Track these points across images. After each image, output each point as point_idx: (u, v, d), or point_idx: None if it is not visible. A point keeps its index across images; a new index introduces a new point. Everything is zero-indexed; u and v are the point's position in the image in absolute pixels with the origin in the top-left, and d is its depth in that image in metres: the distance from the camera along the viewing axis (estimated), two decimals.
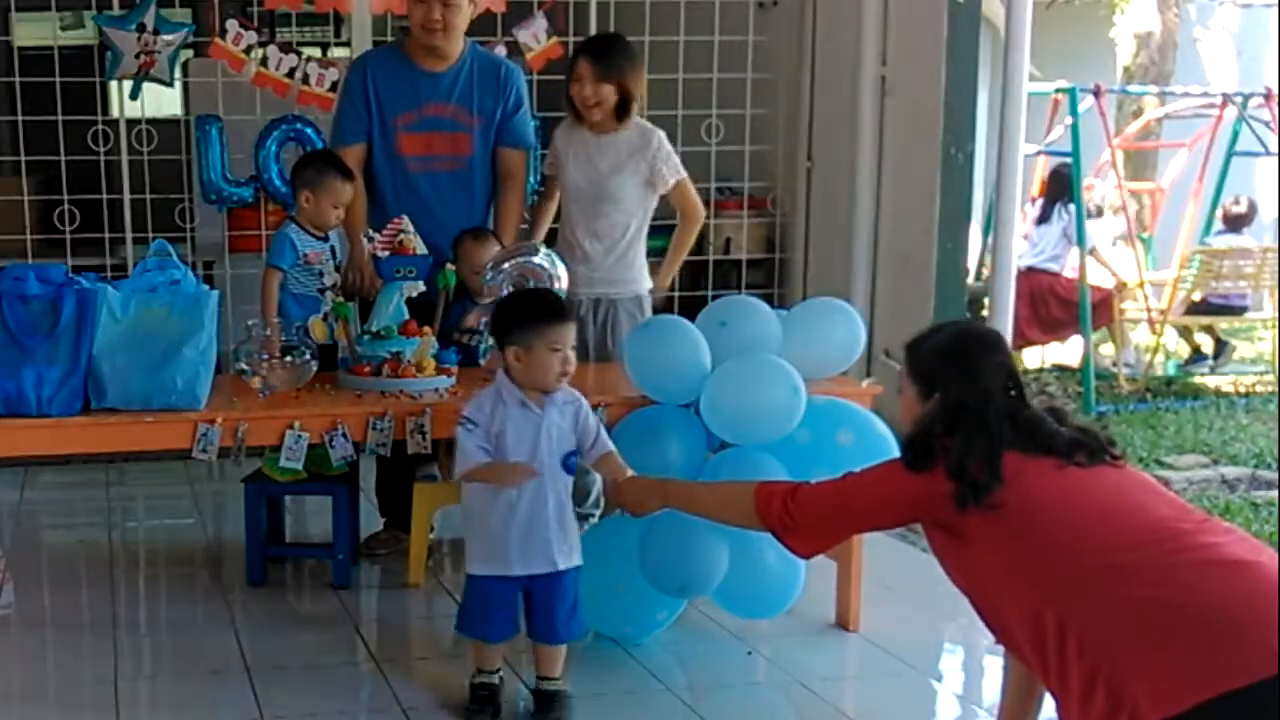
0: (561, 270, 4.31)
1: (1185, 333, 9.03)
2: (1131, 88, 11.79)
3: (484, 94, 4.69)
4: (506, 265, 4.30)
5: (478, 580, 3.52)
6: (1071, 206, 8.26)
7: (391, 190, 4.68)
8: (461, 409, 3.49)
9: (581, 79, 4.59)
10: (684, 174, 4.72)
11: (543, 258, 4.31)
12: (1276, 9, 12.06)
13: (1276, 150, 8.74)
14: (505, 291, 4.31)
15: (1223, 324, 8.90)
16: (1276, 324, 8.65)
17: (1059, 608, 2.53)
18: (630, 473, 3.51)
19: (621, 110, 4.61)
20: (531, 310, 3.49)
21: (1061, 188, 8.49)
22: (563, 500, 3.51)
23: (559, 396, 3.49)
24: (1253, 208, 9.06)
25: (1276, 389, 8.26)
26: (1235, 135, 9.13)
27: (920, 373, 2.87)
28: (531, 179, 5.25)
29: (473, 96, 4.68)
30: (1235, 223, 8.97)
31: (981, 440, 2.67)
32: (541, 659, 3.60)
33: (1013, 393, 2.78)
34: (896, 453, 3.90)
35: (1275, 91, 8.83)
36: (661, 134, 4.70)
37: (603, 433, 3.58)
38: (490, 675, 3.60)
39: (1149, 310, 8.43)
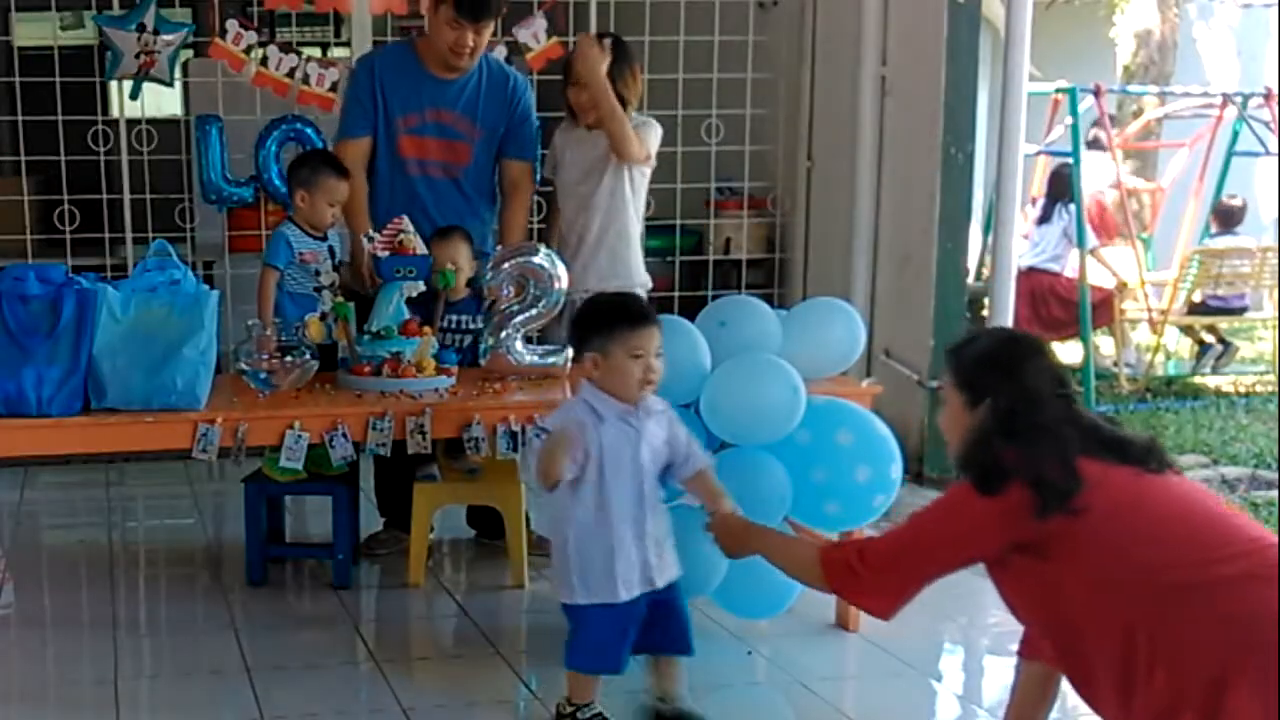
0: (561, 270, 4.32)
1: (1189, 330, 9.02)
2: (1131, 88, 11.79)
3: (489, 105, 4.70)
4: (506, 265, 4.31)
5: (587, 612, 3.29)
6: (1072, 206, 8.26)
7: (388, 189, 4.69)
8: (539, 419, 3.29)
9: (577, 83, 4.61)
10: (648, 136, 4.64)
11: (543, 258, 4.32)
12: (1276, 9, 12.06)
13: (1276, 150, 8.74)
14: (506, 292, 4.32)
15: (1223, 324, 8.90)
16: (1276, 324, 8.66)
17: (1154, 622, 2.44)
18: (728, 501, 3.31)
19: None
20: (607, 314, 3.28)
21: (1062, 188, 8.49)
22: (661, 513, 3.34)
23: (653, 405, 3.30)
24: (1244, 205, 9.05)
25: (1276, 389, 8.26)
26: (1235, 135, 9.14)
27: (965, 381, 2.76)
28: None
29: (478, 107, 4.68)
30: (1227, 220, 8.96)
31: (1050, 445, 2.57)
32: (661, 676, 3.45)
33: (1063, 396, 2.69)
34: (896, 452, 3.94)
35: (1275, 91, 8.83)
36: (649, 119, 4.73)
37: (695, 446, 3.36)
38: (593, 709, 3.39)
39: (1149, 310, 8.44)
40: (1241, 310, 8.75)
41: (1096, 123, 8.98)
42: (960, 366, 2.79)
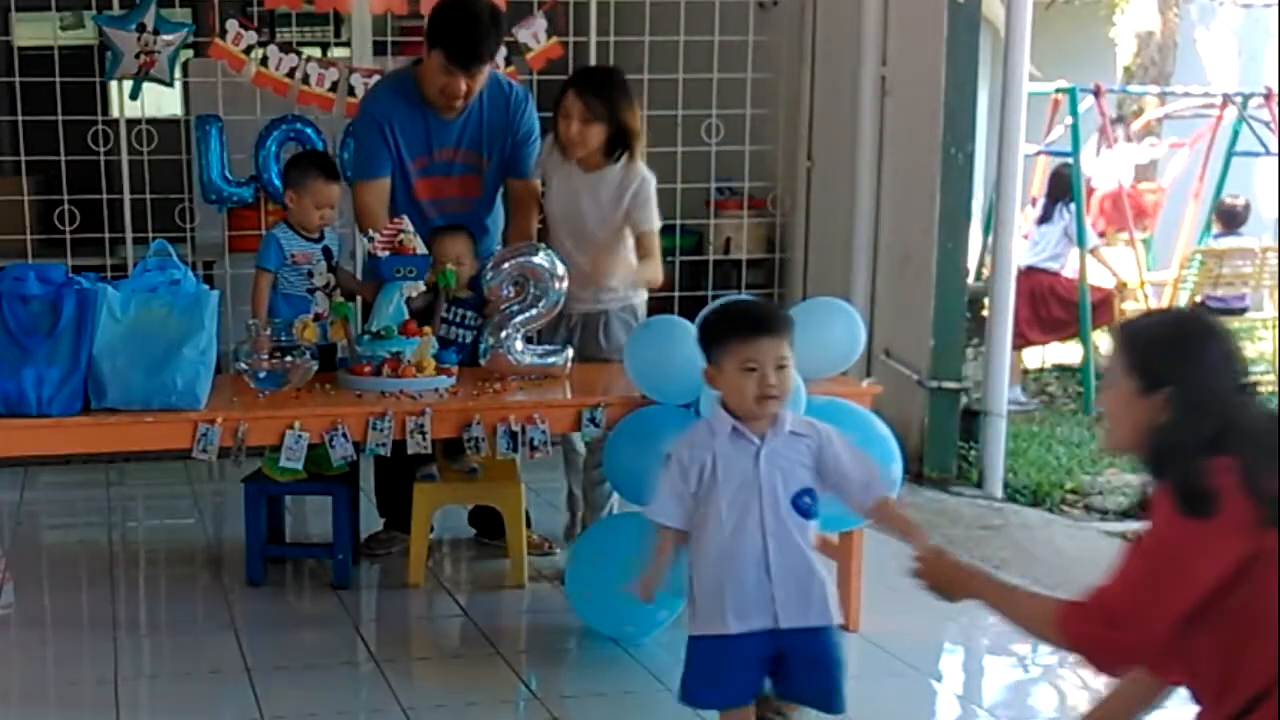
0: (561, 270, 4.32)
1: None
2: (1131, 88, 11.79)
3: (493, 133, 4.64)
4: (506, 265, 4.31)
5: (697, 642, 3.03)
6: (1073, 206, 8.26)
7: None
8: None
9: (569, 115, 4.43)
10: (656, 225, 4.52)
11: (543, 258, 4.32)
12: (1276, 9, 12.06)
13: (1276, 150, 8.74)
14: (506, 292, 4.32)
15: None
16: (1276, 324, 8.65)
17: None
18: (925, 535, 2.88)
19: (610, 148, 4.46)
20: (719, 323, 3.03)
21: (1062, 188, 8.49)
22: (795, 545, 2.95)
23: (788, 422, 2.98)
24: (1247, 205, 9.06)
25: (1276, 389, 8.26)
26: (1235, 135, 9.13)
27: (1139, 363, 2.44)
28: None
29: (482, 138, 4.63)
30: (1231, 221, 8.96)
31: (1257, 447, 2.32)
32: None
33: (1247, 387, 2.45)
34: (896, 452, 3.94)
35: (1275, 91, 8.83)
36: (646, 177, 4.50)
37: (873, 471, 3.01)
38: None
39: (1149, 310, 8.43)
40: (1242, 311, 8.74)
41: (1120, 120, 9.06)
42: (1133, 346, 2.49)
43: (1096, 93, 8.44)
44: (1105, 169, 9.12)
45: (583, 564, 4.08)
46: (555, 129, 4.55)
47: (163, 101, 6.88)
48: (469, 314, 4.59)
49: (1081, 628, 2.41)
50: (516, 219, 4.74)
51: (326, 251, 4.62)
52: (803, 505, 2.95)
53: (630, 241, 4.57)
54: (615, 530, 4.13)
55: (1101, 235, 9.00)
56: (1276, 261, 8.39)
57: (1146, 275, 8.54)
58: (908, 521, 2.93)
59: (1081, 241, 8.09)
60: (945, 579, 2.71)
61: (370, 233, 4.36)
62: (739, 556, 2.94)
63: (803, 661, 2.99)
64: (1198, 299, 8.44)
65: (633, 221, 4.50)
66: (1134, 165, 9.22)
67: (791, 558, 2.95)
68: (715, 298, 5.31)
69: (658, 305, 5.08)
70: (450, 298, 4.51)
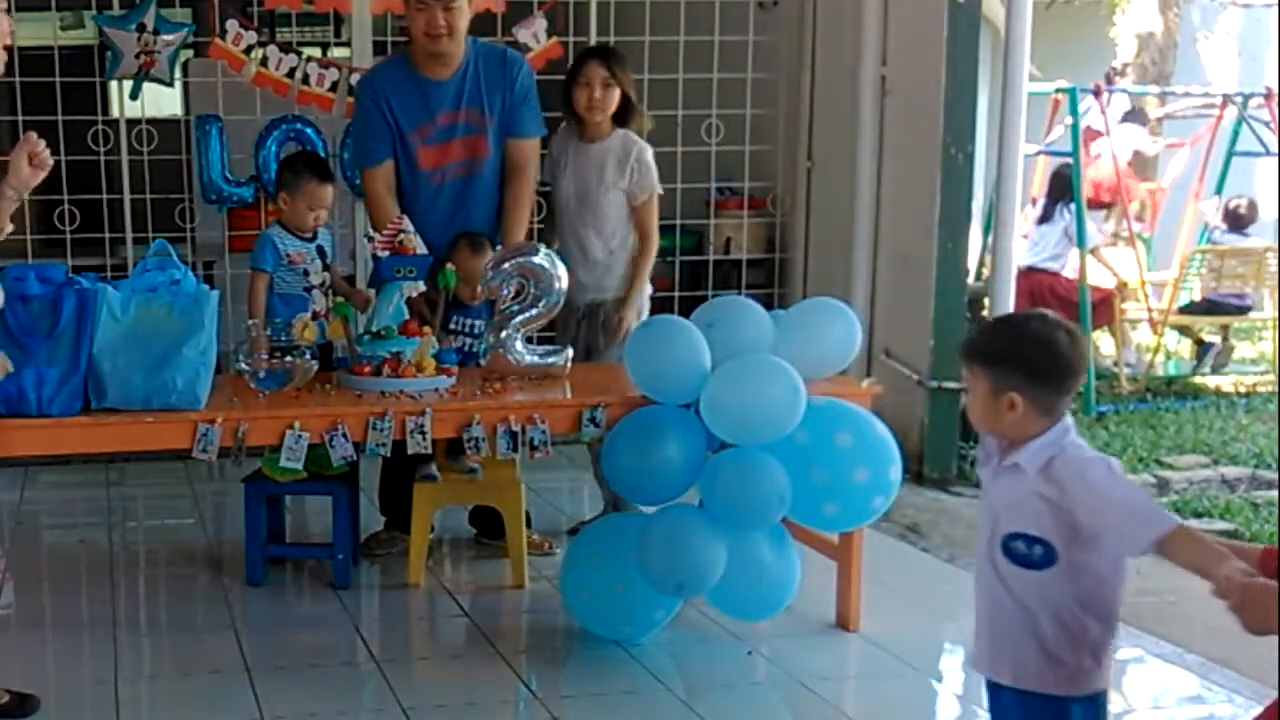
0: (561, 270, 4.32)
1: (1187, 331, 9.02)
2: (1131, 87, 11.78)
3: (492, 90, 4.68)
4: (506, 265, 4.31)
5: None
6: (1073, 206, 8.26)
7: (410, 202, 4.63)
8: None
9: (591, 82, 4.68)
10: (658, 190, 4.83)
11: (543, 258, 4.32)
12: (1276, 9, 12.06)
13: (1276, 150, 8.74)
14: (506, 292, 4.32)
15: (1224, 324, 8.89)
16: (1276, 324, 8.65)
17: None
18: (1231, 562, 2.22)
19: (620, 116, 4.74)
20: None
21: (1062, 188, 8.49)
22: (992, 589, 2.50)
23: (1020, 458, 2.43)
24: (1252, 207, 9.06)
25: (1276, 389, 8.26)
26: (1235, 135, 9.13)
27: None
28: None
29: (482, 96, 4.66)
30: (1236, 222, 8.96)
31: None
32: None
33: None
34: (896, 454, 3.93)
35: (1275, 91, 8.83)
36: (644, 145, 4.81)
37: (1140, 508, 2.37)
38: None
39: (1149, 310, 8.43)
40: (1243, 310, 8.74)
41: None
42: None
43: (1096, 93, 8.44)
44: (1113, 142, 9.06)
45: (580, 564, 4.08)
46: (569, 109, 4.78)
47: (163, 101, 6.87)
48: (477, 322, 4.58)
49: None
50: (513, 186, 4.73)
51: (321, 250, 4.63)
52: (1013, 550, 2.46)
53: (626, 216, 4.81)
54: (613, 530, 4.12)
55: (1102, 209, 9.02)
56: (1276, 261, 8.39)
57: (1146, 275, 8.55)
58: (1204, 550, 2.30)
59: (1081, 242, 8.09)
60: (1256, 606, 2.16)
61: (369, 233, 4.36)
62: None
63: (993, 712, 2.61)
64: (1198, 298, 8.44)
65: (637, 188, 4.75)
66: (1133, 150, 9.22)
67: (987, 600, 2.53)
68: (715, 297, 5.33)
69: (658, 305, 5.09)
70: (452, 300, 4.51)
